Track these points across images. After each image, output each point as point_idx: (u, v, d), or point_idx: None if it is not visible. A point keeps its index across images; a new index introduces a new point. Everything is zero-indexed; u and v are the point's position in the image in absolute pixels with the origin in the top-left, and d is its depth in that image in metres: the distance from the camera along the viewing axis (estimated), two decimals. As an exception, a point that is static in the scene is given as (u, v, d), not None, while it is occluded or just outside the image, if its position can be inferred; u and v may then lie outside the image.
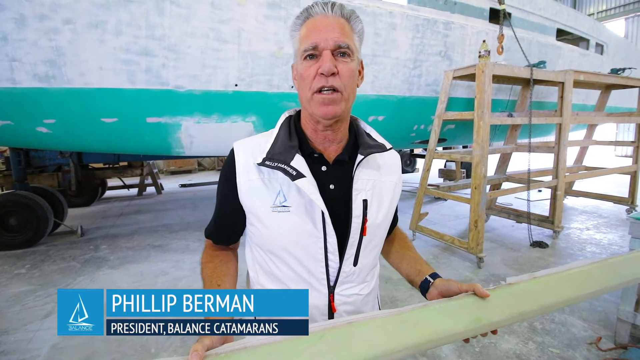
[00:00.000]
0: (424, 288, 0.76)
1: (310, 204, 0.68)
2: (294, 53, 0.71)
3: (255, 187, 0.70)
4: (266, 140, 0.73)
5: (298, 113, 0.78)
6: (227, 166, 0.75)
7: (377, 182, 0.75)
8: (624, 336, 2.14)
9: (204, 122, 3.37)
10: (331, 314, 0.74)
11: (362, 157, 0.72)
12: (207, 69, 3.10)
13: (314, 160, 0.72)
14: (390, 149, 0.79)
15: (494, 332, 0.65)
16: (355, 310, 0.76)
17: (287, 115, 0.78)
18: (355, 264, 0.73)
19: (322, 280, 0.72)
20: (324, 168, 0.72)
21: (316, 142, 0.74)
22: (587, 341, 2.19)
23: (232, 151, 0.75)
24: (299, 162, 0.68)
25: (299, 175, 0.67)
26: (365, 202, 0.71)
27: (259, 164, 0.69)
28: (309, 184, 0.67)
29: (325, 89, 0.64)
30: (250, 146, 0.74)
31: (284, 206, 0.69)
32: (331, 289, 0.73)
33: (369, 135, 0.78)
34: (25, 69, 2.68)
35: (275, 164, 0.68)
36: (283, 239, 0.71)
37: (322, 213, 0.68)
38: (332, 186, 0.72)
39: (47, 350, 2.12)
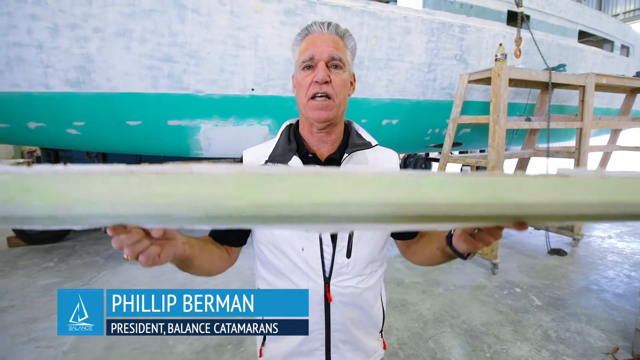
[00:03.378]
0: (448, 238, 0.69)
1: None
2: (294, 65, 0.80)
3: None
4: (268, 146, 0.83)
5: (297, 122, 0.87)
6: None
7: None
8: (642, 347, 2.08)
9: (221, 125, 3.49)
10: (327, 303, 0.79)
11: (347, 155, 0.78)
12: (225, 74, 3.22)
13: (309, 160, 0.80)
14: (376, 145, 0.84)
15: (521, 225, 0.46)
16: (352, 303, 0.80)
17: (288, 123, 0.88)
18: (348, 255, 0.78)
19: (318, 271, 0.77)
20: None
21: (312, 143, 0.81)
22: (603, 351, 2.13)
23: (241, 157, 0.86)
24: (295, 162, 0.77)
25: None
26: None
27: (262, 165, 0.76)
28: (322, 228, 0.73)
29: (319, 95, 0.73)
30: (256, 151, 0.84)
31: None
32: (327, 280, 0.78)
33: (359, 135, 0.85)
34: (57, 75, 2.87)
35: (275, 164, 0.76)
36: (286, 235, 0.77)
37: None
38: None
39: (73, 338, 2.25)
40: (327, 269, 0.78)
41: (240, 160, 0.85)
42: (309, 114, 0.75)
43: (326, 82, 0.72)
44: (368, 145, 0.81)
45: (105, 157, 5.91)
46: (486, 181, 0.43)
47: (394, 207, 0.40)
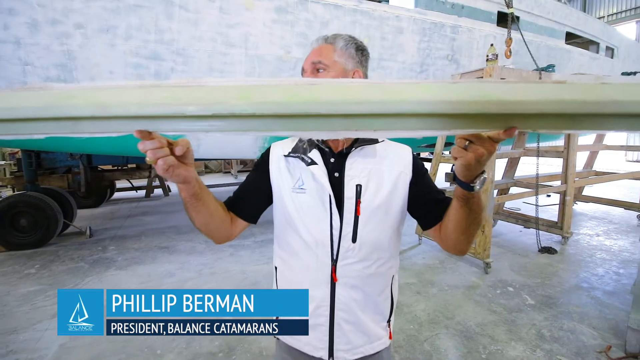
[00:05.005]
0: (454, 176, 0.69)
1: (322, 188, 0.84)
2: None
3: (282, 173, 0.89)
4: (293, 140, 0.94)
5: None
6: (263, 157, 0.95)
7: (375, 169, 0.86)
8: (634, 345, 2.10)
9: (211, 125, 3.41)
10: (332, 283, 0.85)
11: (353, 149, 0.87)
12: (215, 72, 3.14)
13: (325, 153, 0.88)
14: (382, 141, 0.91)
15: (510, 129, 0.47)
16: (357, 286, 0.85)
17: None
18: (354, 240, 0.84)
19: (327, 252, 0.84)
20: (332, 160, 0.87)
21: (329, 139, 0.89)
22: (596, 349, 2.14)
23: (268, 148, 0.96)
24: (314, 154, 0.86)
25: (313, 162, 0.85)
26: (358, 186, 0.84)
27: (286, 156, 0.90)
28: (319, 170, 0.84)
29: None
30: (282, 144, 0.94)
31: (301, 189, 0.86)
32: (334, 262, 0.84)
33: None
34: (37, 73, 2.74)
35: (297, 154, 0.88)
36: (299, 214, 0.86)
37: (330, 196, 0.83)
38: (336, 174, 0.86)
39: (55, 349, 2.14)
40: (334, 251, 0.84)
41: (268, 151, 0.94)
42: None
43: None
44: (375, 141, 0.90)
45: (89, 158, 5.74)
46: (471, 84, 0.43)
47: (372, 104, 0.44)
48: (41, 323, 2.45)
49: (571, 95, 0.42)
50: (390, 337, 0.94)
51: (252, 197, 0.92)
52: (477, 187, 0.65)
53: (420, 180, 0.88)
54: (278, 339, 0.95)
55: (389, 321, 0.93)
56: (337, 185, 0.84)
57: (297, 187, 0.86)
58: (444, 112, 0.43)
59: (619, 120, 0.44)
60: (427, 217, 0.87)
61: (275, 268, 0.96)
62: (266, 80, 0.46)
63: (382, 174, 0.86)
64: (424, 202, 0.87)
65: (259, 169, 0.93)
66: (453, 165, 0.66)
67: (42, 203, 4.17)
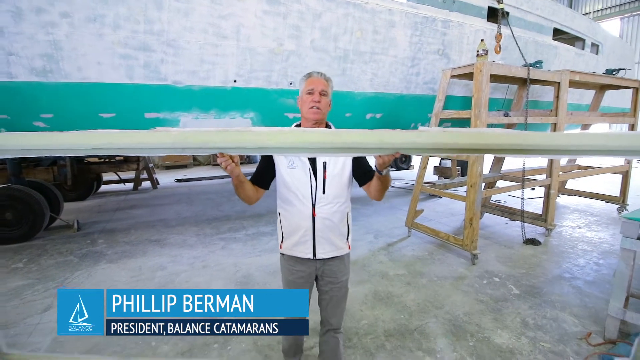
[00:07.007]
0: (376, 168, 1.29)
1: (305, 164, 1.44)
2: (300, 91, 1.47)
3: (280, 157, 1.46)
4: None
5: (300, 123, 1.55)
6: None
7: None
8: (613, 332, 2.21)
9: (202, 118, 3.37)
10: (313, 217, 1.47)
11: None
12: (206, 64, 3.09)
13: None
14: None
15: (396, 153, 0.95)
16: (327, 218, 1.48)
17: (295, 124, 1.57)
18: (323, 192, 1.46)
19: (309, 200, 1.47)
20: None
21: None
22: (577, 336, 2.25)
23: None
24: None
25: None
26: (324, 162, 1.46)
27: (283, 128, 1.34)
28: (303, 155, 1.36)
29: (315, 107, 1.42)
30: None
31: (293, 165, 1.45)
32: (313, 205, 1.47)
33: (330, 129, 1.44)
34: (22, 63, 2.66)
35: None
36: (293, 181, 1.45)
37: (309, 169, 1.44)
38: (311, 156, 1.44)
39: (48, 343, 2.13)
40: (313, 199, 1.47)
41: None
42: (309, 116, 1.44)
43: (319, 102, 1.42)
44: None
45: (76, 151, 5.60)
46: (377, 133, 0.85)
47: (331, 144, 0.84)
48: (32, 317, 2.43)
49: (422, 139, 0.83)
50: (349, 248, 1.59)
51: (265, 175, 1.51)
52: (383, 173, 1.27)
53: (358, 157, 1.48)
54: (282, 254, 1.57)
55: (347, 239, 1.57)
56: (313, 163, 1.45)
57: (290, 164, 1.45)
58: (365, 147, 0.86)
59: (455, 151, 0.85)
60: (361, 179, 1.50)
61: (279, 214, 1.55)
62: (282, 129, 0.87)
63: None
64: (359, 169, 1.49)
65: (266, 157, 1.51)
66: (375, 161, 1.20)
67: (27, 196, 4.07)
